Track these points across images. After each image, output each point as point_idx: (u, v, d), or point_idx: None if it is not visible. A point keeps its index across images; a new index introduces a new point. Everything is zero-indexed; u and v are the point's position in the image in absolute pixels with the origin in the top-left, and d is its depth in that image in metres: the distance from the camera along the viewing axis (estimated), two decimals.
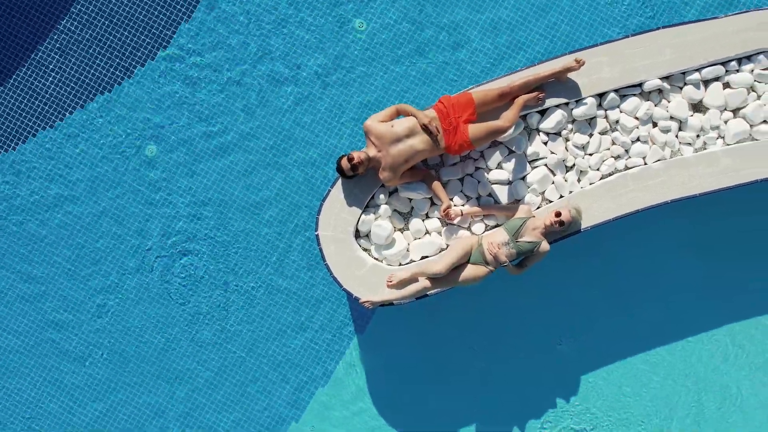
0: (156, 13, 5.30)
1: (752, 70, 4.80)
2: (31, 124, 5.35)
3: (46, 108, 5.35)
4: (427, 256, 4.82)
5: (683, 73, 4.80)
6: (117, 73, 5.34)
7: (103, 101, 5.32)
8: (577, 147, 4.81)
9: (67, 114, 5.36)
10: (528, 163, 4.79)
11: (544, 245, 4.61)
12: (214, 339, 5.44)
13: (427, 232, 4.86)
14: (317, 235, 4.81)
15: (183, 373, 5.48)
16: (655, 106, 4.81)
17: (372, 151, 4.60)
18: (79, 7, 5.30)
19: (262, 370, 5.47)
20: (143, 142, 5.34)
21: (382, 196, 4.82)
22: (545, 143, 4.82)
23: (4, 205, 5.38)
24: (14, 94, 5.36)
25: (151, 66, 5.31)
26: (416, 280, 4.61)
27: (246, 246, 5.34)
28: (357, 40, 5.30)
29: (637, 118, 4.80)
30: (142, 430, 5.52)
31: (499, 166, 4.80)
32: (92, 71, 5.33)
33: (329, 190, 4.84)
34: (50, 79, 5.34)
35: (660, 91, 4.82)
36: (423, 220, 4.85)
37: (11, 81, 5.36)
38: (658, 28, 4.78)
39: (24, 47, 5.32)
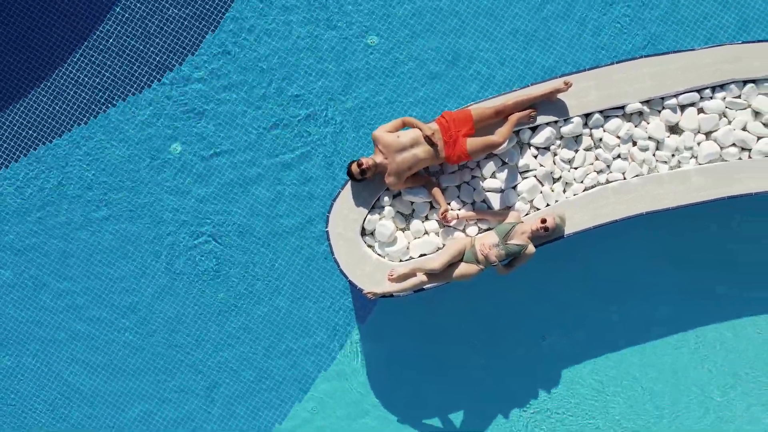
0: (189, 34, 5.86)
1: (724, 98, 5.32)
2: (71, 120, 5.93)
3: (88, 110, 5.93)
4: (425, 254, 5.35)
5: (662, 99, 5.33)
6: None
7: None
8: (563, 161, 5.34)
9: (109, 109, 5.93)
10: (519, 174, 5.33)
11: (530, 248, 5.14)
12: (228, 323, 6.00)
13: (426, 233, 5.40)
14: (327, 232, 5.35)
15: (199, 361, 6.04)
16: (636, 127, 5.34)
17: (379, 158, 5.14)
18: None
19: (271, 356, 6.01)
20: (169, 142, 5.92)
21: (386, 199, 5.36)
22: (535, 156, 5.35)
23: (55, 194, 5.95)
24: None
25: (167, 76, 5.88)
26: (414, 275, 5.14)
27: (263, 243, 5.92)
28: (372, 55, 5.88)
29: (618, 137, 5.33)
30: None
31: (493, 176, 5.33)
32: (124, 78, 5.90)
33: (339, 191, 5.37)
34: (87, 84, 5.91)
35: (640, 113, 5.35)
36: (422, 222, 5.39)
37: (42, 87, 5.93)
38: (640, 57, 5.31)
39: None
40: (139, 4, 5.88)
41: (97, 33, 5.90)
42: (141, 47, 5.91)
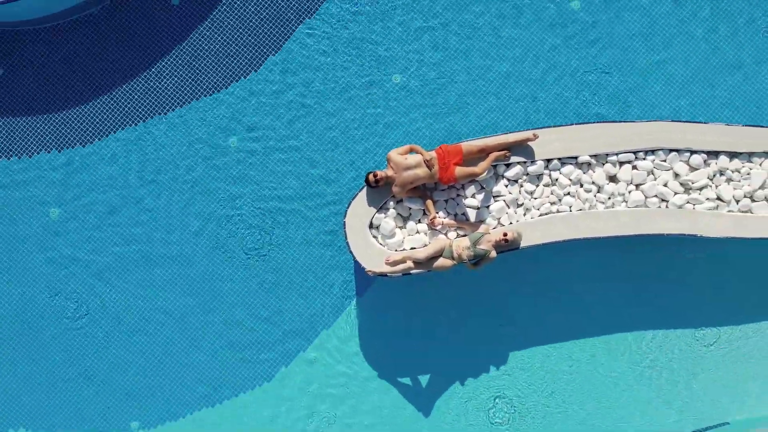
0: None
1: (653, 160, 7.08)
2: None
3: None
4: (414, 248, 7.15)
5: (606, 155, 7.09)
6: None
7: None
8: (526, 192, 7.12)
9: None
10: (492, 197, 7.11)
11: (493, 253, 6.91)
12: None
13: (418, 232, 7.19)
14: (344, 222, 7.16)
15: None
16: (584, 173, 7.11)
17: (390, 172, 6.93)
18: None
19: (286, 315, 7.83)
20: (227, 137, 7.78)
21: (391, 203, 7.15)
22: (506, 186, 7.13)
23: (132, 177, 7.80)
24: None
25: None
26: (405, 262, 6.93)
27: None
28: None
29: (570, 180, 7.10)
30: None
31: (472, 196, 7.11)
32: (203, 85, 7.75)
33: (356, 193, 7.17)
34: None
35: (589, 164, 7.11)
36: (416, 223, 7.18)
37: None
38: (595, 122, 7.08)
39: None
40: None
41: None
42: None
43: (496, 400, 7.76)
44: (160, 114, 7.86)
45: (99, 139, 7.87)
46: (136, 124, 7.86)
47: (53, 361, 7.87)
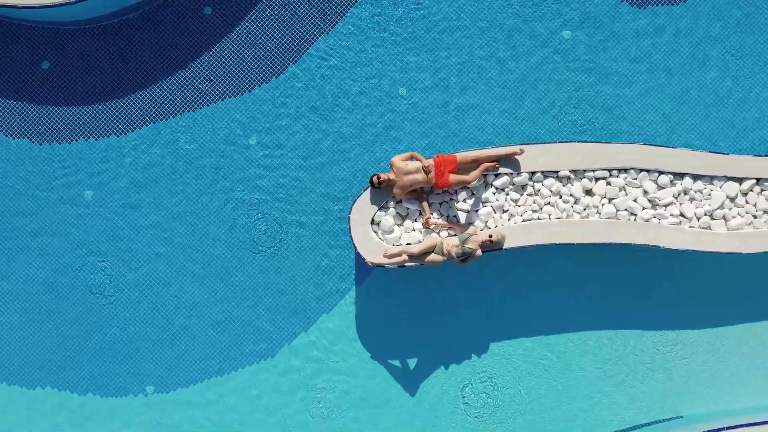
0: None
1: (625, 178, 8.00)
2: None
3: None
4: (410, 243, 8.05)
5: (584, 171, 8.01)
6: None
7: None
8: (512, 200, 8.03)
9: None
10: (481, 203, 8.02)
11: (478, 252, 7.80)
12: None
13: (413, 230, 8.09)
14: (349, 217, 8.06)
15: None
16: (563, 186, 8.02)
17: (391, 175, 7.83)
18: None
19: (294, 294, 8.74)
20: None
21: (391, 203, 8.06)
22: (494, 193, 8.04)
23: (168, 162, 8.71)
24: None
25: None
26: (400, 255, 7.83)
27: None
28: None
29: (551, 191, 8.01)
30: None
31: (464, 201, 8.02)
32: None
33: (361, 192, 8.08)
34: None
35: (568, 178, 8.02)
36: (412, 222, 8.09)
37: None
38: (575, 142, 8.00)
39: None
40: None
41: None
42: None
43: (468, 387, 8.65)
44: (188, 111, 8.75)
45: (131, 131, 8.77)
46: (165, 120, 8.76)
47: (80, 328, 8.79)
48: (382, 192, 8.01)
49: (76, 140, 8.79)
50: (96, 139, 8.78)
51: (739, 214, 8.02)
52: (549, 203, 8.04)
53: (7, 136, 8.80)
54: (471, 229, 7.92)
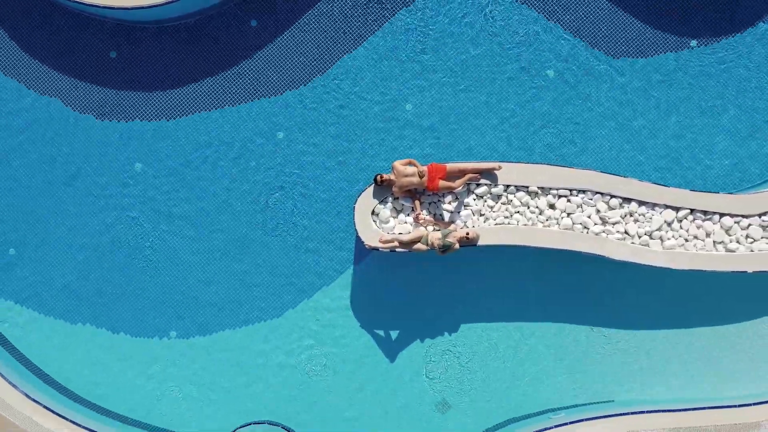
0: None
1: (583, 198, 9.73)
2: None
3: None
4: (401, 233, 9.78)
5: (550, 188, 9.74)
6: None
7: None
8: (488, 206, 9.77)
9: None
10: (463, 206, 9.76)
11: (457, 246, 9.51)
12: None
13: (405, 222, 9.83)
14: (354, 207, 9.79)
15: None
16: (531, 199, 9.76)
17: (392, 176, 9.56)
18: None
19: (296, 270, 10.48)
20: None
21: (389, 198, 9.79)
22: (474, 199, 9.77)
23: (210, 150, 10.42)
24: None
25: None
26: (393, 242, 9.57)
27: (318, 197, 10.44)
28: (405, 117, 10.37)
29: (520, 202, 9.74)
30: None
31: (449, 203, 9.75)
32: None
33: (365, 188, 9.81)
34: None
35: (536, 192, 9.75)
36: (405, 216, 9.83)
37: None
38: (546, 164, 9.74)
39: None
40: None
41: None
42: None
43: (431, 363, 10.42)
44: (226, 106, 10.47)
45: (174, 118, 10.49)
46: (208, 111, 10.48)
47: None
48: (383, 190, 9.74)
49: (132, 120, 10.52)
50: (149, 121, 10.51)
51: (673, 236, 9.76)
52: (518, 212, 9.78)
53: (74, 110, 10.51)
54: (452, 227, 9.66)
